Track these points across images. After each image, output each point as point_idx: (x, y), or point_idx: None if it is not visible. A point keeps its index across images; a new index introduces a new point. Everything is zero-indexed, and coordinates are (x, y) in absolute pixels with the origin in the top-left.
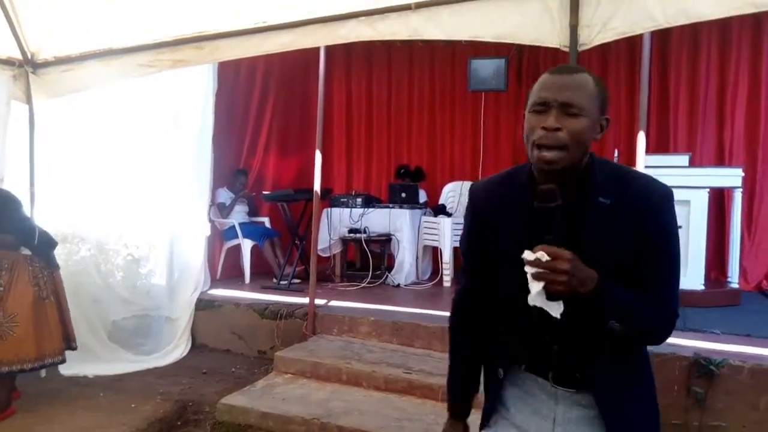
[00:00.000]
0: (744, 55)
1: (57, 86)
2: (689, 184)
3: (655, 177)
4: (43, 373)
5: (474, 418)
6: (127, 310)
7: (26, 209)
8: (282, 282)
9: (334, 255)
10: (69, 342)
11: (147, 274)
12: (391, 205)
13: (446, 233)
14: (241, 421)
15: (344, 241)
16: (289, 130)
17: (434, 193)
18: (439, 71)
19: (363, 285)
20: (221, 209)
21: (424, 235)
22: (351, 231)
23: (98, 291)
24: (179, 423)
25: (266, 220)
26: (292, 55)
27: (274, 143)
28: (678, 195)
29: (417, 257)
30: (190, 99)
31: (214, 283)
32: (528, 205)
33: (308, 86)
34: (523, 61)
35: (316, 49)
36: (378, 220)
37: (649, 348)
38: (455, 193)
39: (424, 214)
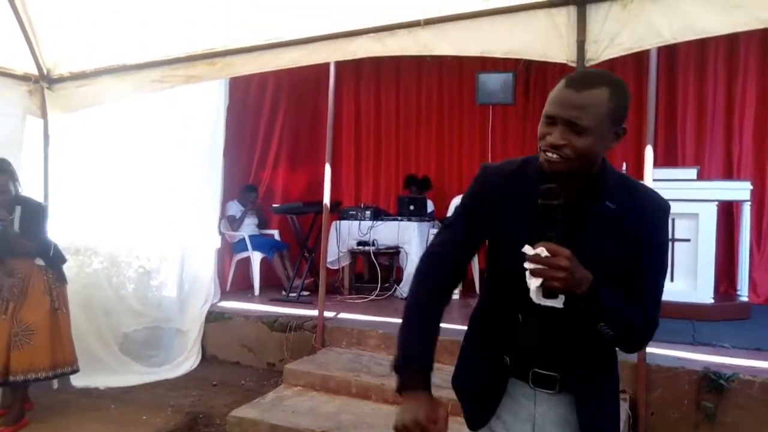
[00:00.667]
0: (751, 68)
1: (72, 101)
2: (697, 197)
3: (662, 190)
4: (55, 384)
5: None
6: (138, 322)
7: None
8: (291, 294)
9: (342, 267)
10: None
11: (158, 287)
12: (399, 218)
13: None
14: None
15: (353, 253)
16: (299, 144)
17: (442, 205)
18: (447, 85)
19: (372, 297)
20: (231, 222)
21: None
22: (360, 243)
23: (110, 303)
24: None
25: (276, 233)
26: (302, 70)
27: (283, 156)
28: (686, 208)
29: None
30: (202, 113)
31: (224, 295)
32: (534, 200)
33: (318, 100)
34: (531, 74)
35: (326, 64)
36: (386, 232)
37: (658, 362)
38: None
39: (433, 226)
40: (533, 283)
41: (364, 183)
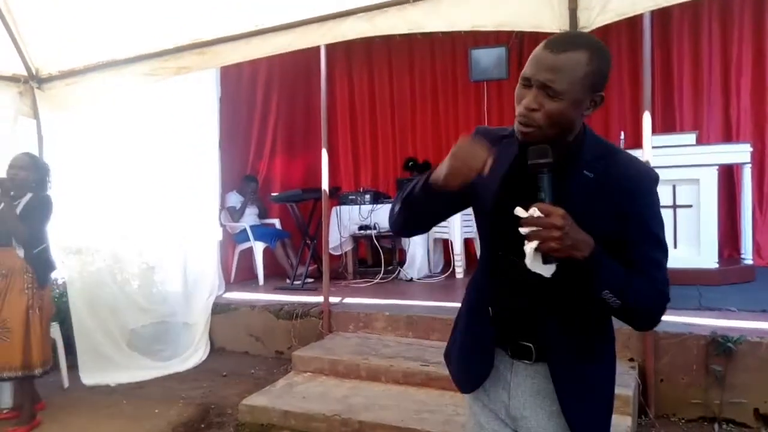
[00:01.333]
0: (747, 29)
1: (62, 100)
2: (698, 162)
3: (661, 157)
4: (65, 383)
5: None
6: (144, 318)
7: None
8: (295, 282)
9: (345, 253)
10: (44, 365)
11: (162, 282)
12: None
13: (456, 225)
14: (263, 421)
15: (355, 238)
16: (294, 131)
17: None
18: (440, 63)
19: (376, 281)
20: (232, 213)
21: (434, 228)
22: (361, 228)
23: (115, 300)
24: (203, 426)
25: (277, 222)
26: (292, 56)
27: (280, 144)
28: (687, 173)
29: (428, 250)
30: (195, 107)
31: (229, 286)
32: (510, 164)
33: (310, 86)
34: (524, 47)
35: (317, 49)
36: (387, 215)
37: (666, 328)
38: None
39: None
40: (529, 247)
41: (362, 167)
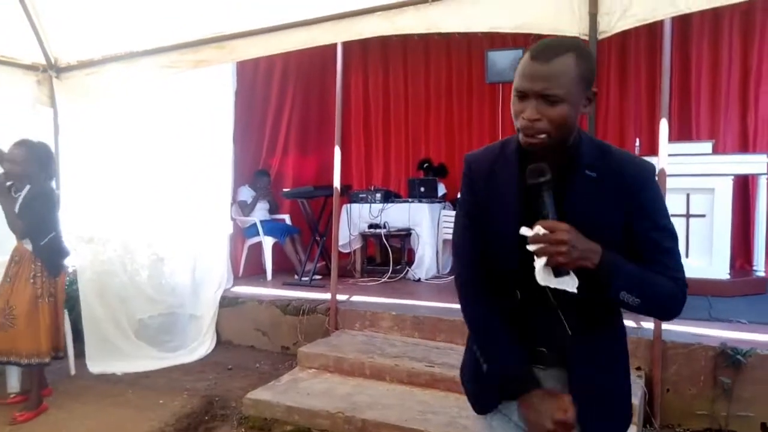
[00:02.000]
0: (767, 38)
1: (80, 89)
2: (713, 171)
3: (677, 165)
4: (72, 370)
5: None
6: (153, 309)
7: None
8: (303, 278)
9: (354, 250)
10: (56, 351)
11: (171, 273)
12: (410, 200)
13: None
14: (267, 416)
15: (364, 236)
16: (308, 127)
17: (453, 186)
18: (456, 64)
19: (384, 280)
20: (243, 207)
21: (444, 229)
22: (371, 226)
23: (125, 290)
24: (207, 418)
25: (287, 217)
26: (309, 53)
27: (293, 140)
28: (702, 183)
29: (437, 251)
30: (211, 100)
31: (237, 280)
32: (517, 183)
33: (326, 83)
34: None
35: (333, 46)
36: (397, 214)
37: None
38: None
39: (444, 207)
40: (538, 263)
41: (374, 166)
